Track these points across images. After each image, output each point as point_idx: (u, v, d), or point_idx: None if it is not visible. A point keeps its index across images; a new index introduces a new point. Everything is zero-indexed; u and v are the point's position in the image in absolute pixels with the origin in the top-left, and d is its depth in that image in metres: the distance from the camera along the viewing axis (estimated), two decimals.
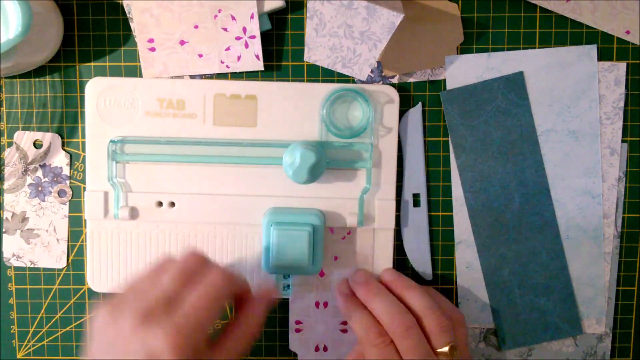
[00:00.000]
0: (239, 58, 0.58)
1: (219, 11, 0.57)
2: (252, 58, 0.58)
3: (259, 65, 0.58)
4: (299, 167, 0.55)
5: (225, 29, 0.57)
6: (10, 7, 0.50)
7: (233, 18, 0.57)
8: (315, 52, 0.55)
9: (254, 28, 0.57)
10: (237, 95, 0.58)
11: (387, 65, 0.59)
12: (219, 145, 0.58)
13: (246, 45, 0.58)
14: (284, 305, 0.61)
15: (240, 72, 0.59)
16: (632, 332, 0.61)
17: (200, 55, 0.58)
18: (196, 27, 0.58)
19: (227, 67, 0.58)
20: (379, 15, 0.52)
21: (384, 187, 0.59)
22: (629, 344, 0.62)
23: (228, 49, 0.58)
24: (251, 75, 0.59)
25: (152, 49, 0.58)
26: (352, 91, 0.57)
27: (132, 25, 0.59)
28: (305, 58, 0.56)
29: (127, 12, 0.58)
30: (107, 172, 0.58)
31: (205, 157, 0.58)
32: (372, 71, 0.59)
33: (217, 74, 0.59)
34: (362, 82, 0.59)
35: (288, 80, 0.59)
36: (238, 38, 0.58)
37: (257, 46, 0.58)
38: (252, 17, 0.57)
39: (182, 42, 0.58)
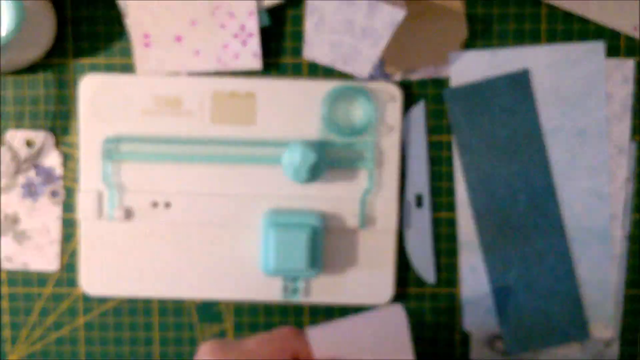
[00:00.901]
0: (236, 56, 0.57)
1: (217, 8, 0.56)
2: (250, 56, 0.57)
3: (257, 64, 0.58)
4: (298, 167, 0.54)
5: (223, 26, 0.57)
6: (2, 3, 0.50)
7: (231, 15, 0.56)
8: (315, 49, 0.55)
9: (253, 26, 0.57)
10: (235, 93, 0.57)
11: (390, 62, 0.58)
12: (217, 144, 0.57)
13: (244, 43, 0.57)
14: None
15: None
16: None
17: (197, 52, 0.57)
18: (193, 23, 0.57)
19: (225, 64, 0.57)
20: (380, 12, 0.52)
21: (386, 187, 0.58)
22: (637, 349, 0.61)
23: (226, 46, 0.57)
24: (250, 73, 0.58)
25: (147, 45, 0.57)
26: (354, 89, 0.56)
27: (127, 21, 0.58)
28: (305, 55, 0.56)
29: (122, 7, 0.58)
30: (102, 172, 0.57)
31: (202, 156, 0.57)
32: (374, 68, 0.58)
33: (214, 71, 0.58)
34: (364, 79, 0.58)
35: (288, 78, 0.59)
36: (236, 35, 0.57)
37: (255, 44, 0.57)
38: (251, 14, 0.56)
39: (178, 38, 0.57)
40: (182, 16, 0.57)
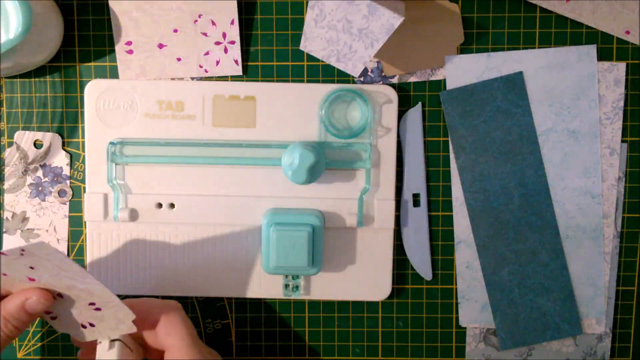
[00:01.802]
0: (217, 62, 0.58)
1: (199, 16, 0.57)
2: (231, 63, 0.58)
3: (238, 70, 0.58)
4: (298, 168, 0.55)
5: (205, 34, 0.58)
6: (11, 7, 0.50)
7: (213, 23, 0.57)
8: (312, 42, 0.54)
9: (234, 34, 0.58)
10: (236, 96, 0.58)
11: (388, 65, 0.59)
12: (218, 147, 0.58)
13: (225, 51, 0.58)
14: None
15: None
16: (632, 332, 0.61)
17: (179, 59, 0.58)
18: (175, 31, 0.58)
19: (206, 71, 0.58)
20: (379, 15, 0.52)
21: (383, 187, 0.59)
22: (628, 344, 0.62)
23: (207, 53, 0.58)
24: (251, 76, 0.59)
25: (130, 52, 0.58)
26: (351, 91, 0.57)
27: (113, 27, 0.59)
28: (301, 47, 0.54)
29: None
30: (107, 174, 0.58)
31: (204, 158, 0.58)
32: (371, 71, 0.59)
33: (196, 77, 0.59)
34: (362, 82, 0.59)
35: (288, 81, 0.59)
36: (217, 43, 0.58)
37: (236, 51, 0.58)
38: (232, 22, 0.57)
39: (160, 46, 0.58)
40: (165, 24, 0.58)
